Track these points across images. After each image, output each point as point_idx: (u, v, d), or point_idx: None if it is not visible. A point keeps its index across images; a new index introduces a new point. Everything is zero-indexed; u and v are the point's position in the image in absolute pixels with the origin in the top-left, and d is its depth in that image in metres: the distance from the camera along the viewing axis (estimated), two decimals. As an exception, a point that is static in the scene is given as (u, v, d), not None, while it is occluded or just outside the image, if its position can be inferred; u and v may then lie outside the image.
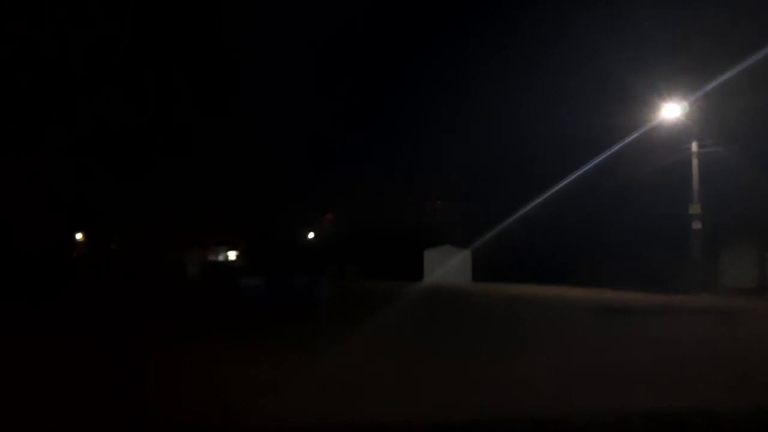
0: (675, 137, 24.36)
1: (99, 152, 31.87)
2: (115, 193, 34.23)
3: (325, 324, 12.95)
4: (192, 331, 11.27)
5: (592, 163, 25.74)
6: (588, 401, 6.29)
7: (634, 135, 24.49)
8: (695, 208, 23.96)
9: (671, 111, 24.20)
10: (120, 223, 35.02)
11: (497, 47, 35.49)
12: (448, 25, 53.97)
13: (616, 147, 24.90)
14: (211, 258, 38.05)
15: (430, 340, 10.51)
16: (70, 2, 26.50)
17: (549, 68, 34.22)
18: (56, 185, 31.24)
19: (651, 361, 8.53)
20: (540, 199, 27.59)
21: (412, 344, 9.98)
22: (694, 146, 24.20)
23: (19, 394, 6.39)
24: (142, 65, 28.70)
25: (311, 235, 49.00)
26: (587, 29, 28.22)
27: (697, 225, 23.96)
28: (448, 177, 39.04)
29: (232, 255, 39.79)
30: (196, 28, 30.01)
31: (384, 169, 41.63)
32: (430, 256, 36.58)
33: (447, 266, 35.03)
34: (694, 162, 24.18)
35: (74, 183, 32.35)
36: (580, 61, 29.95)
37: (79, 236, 36.64)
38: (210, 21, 30.64)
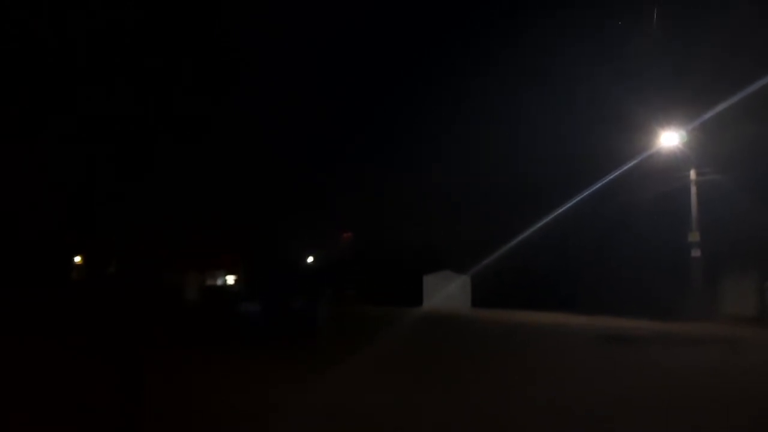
0: (674, 164, 24.50)
1: (95, 165, 31.88)
2: (114, 215, 34.22)
3: (324, 351, 12.87)
4: (190, 356, 11.21)
5: (592, 189, 25.82)
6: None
7: (634, 162, 24.62)
8: (694, 236, 23.99)
9: (670, 138, 24.38)
10: (118, 247, 34.96)
11: (495, 73, 35.75)
12: (444, 51, 54.45)
13: (616, 173, 25.00)
14: (210, 282, 37.96)
15: (432, 370, 10.43)
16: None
17: (547, 94, 34.47)
18: (54, 204, 31.21)
19: (654, 392, 8.48)
20: (540, 225, 27.61)
21: (412, 374, 9.90)
22: (693, 174, 24.32)
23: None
24: (138, 74, 28.78)
25: (310, 258, 48.94)
26: (586, 56, 28.47)
27: (696, 253, 23.96)
28: (449, 203, 39.07)
29: (230, 279, 39.72)
30: (193, 32, 30.13)
31: (382, 192, 41.61)
32: (429, 281, 36.41)
33: (446, 292, 34.86)
34: (693, 190, 24.27)
35: (73, 202, 32.36)
36: (579, 88, 30.12)
37: (77, 259, 36.61)
38: (208, 25, 30.78)
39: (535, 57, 32.52)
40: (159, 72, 29.32)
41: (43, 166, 29.05)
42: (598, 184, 25.58)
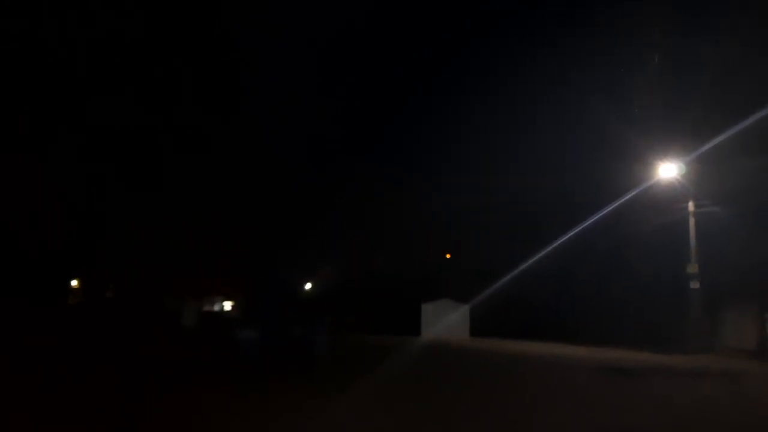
0: (674, 196, 24.61)
1: (93, 185, 31.83)
2: (112, 237, 34.10)
3: (323, 381, 12.76)
4: (187, 386, 11.11)
5: (592, 221, 25.91)
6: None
7: (633, 193, 24.76)
8: (693, 268, 23.96)
9: (669, 170, 24.53)
10: (116, 271, 34.81)
11: (496, 104, 36.17)
12: (443, 81, 55.03)
13: (615, 205, 25.12)
14: (207, 308, 37.67)
15: (433, 402, 10.32)
16: (70, 7, 26.75)
17: (547, 127, 34.83)
18: (53, 223, 31.05)
19: (657, 426, 8.44)
20: (540, 256, 27.63)
21: (413, 407, 9.78)
22: (691, 206, 24.40)
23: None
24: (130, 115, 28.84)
25: (308, 285, 48.74)
26: (586, 89, 28.82)
27: (695, 285, 23.92)
28: (448, 231, 39.16)
29: (228, 305, 39.44)
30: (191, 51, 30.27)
31: (382, 219, 41.68)
32: (428, 309, 36.17)
33: (445, 321, 34.65)
34: (692, 221, 24.33)
35: (71, 222, 32.23)
36: (579, 120, 30.45)
37: (74, 283, 36.38)
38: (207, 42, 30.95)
39: (536, 90, 32.92)
40: (156, 92, 29.44)
41: (41, 183, 29.01)
42: (598, 215, 25.68)
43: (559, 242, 26.96)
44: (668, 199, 24.74)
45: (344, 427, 7.85)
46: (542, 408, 9.77)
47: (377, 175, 53.53)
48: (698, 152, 23.34)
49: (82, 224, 32.40)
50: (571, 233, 26.52)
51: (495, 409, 9.61)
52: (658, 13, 25.74)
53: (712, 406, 10.47)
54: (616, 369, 16.42)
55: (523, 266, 28.26)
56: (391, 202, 40.08)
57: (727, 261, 23.13)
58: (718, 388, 13.31)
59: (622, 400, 10.97)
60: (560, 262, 27.95)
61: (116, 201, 33.33)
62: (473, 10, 52.34)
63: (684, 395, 11.94)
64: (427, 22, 52.79)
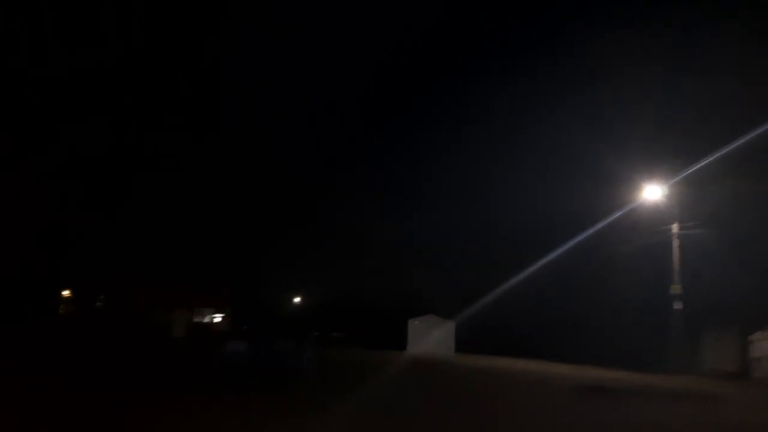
0: (658, 218, 24.98)
1: (83, 199, 31.94)
2: (103, 249, 34.15)
3: (309, 397, 12.80)
4: (176, 398, 11.13)
5: (576, 242, 26.24)
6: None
7: (618, 215, 25.14)
8: (676, 288, 24.24)
9: (653, 192, 24.92)
10: (107, 282, 34.82)
11: (481, 128, 36.65)
12: (428, 106, 55.62)
13: (600, 226, 25.46)
14: (197, 320, 37.69)
15: (421, 420, 10.39)
16: (55, 30, 27.00)
17: (535, 150, 35.36)
18: (43, 237, 31.08)
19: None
20: (525, 275, 27.92)
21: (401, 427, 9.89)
22: (675, 227, 24.76)
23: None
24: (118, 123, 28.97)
25: (296, 299, 48.79)
26: (572, 113, 29.33)
27: (677, 305, 24.18)
28: (439, 249, 39.45)
29: (217, 317, 39.47)
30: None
31: (371, 237, 41.94)
32: (413, 325, 36.29)
33: (431, 336, 34.78)
34: (675, 243, 24.69)
35: (61, 236, 32.28)
36: (564, 144, 30.95)
37: (66, 293, 36.34)
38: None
39: (522, 115, 33.49)
40: (143, 109, 29.73)
41: (31, 197, 29.11)
42: (583, 236, 26.02)
43: (544, 262, 27.28)
44: (653, 220, 25.11)
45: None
46: (526, 427, 9.93)
47: (366, 194, 53.93)
48: (683, 175, 23.78)
49: (73, 236, 32.49)
50: (556, 253, 26.85)
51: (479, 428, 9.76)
52: (642, 39, 26.28)
53: (687, 428, 10.61)
54: (596, 388, 16.55)
55: (509, 284, 28.55)
56: (380, 220, 40.38)
57: (709, 283, 23.46)
58: (695, 410, 13.21)
59: (599, 420, 11.14)
60: (545, 282, 28.26)
61: (107, 214, 33.43)
62: (459, 37, 53.03)
63: (660, 416, 12.01)
64: (410, 48, 53.47)
